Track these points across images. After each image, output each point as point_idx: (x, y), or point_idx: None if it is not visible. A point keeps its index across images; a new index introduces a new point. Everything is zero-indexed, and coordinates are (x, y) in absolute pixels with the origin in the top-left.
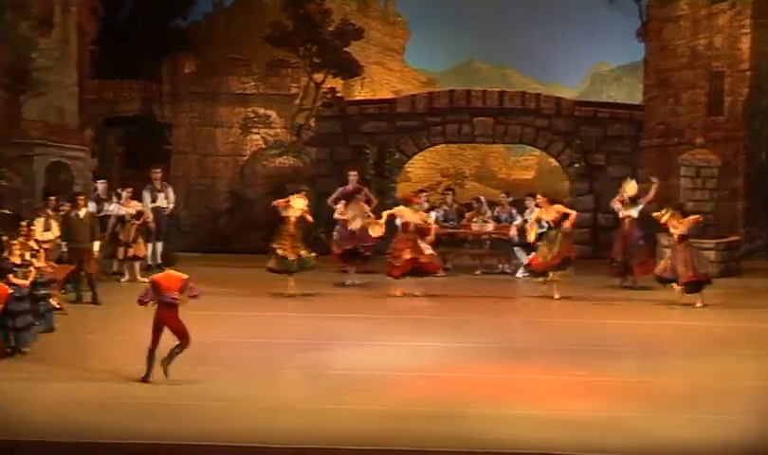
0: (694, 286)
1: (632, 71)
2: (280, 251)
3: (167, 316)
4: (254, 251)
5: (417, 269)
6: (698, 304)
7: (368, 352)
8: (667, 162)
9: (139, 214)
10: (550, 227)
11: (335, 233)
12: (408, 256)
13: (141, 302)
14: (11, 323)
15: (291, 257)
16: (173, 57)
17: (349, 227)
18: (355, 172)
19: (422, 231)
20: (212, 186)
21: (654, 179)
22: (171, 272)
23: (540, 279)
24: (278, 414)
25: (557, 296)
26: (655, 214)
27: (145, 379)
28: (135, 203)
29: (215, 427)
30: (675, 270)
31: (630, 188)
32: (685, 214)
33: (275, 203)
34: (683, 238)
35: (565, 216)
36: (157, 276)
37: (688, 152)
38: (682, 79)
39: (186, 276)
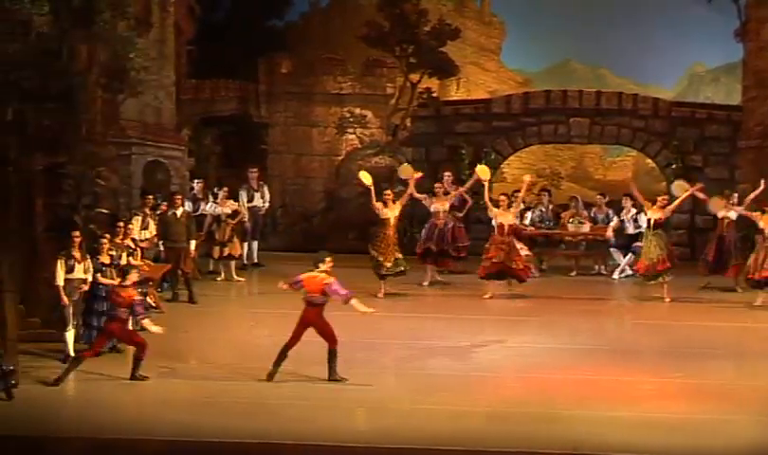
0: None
1: (730, 72)
2: (380, 257)
3: (310, 315)
4: (348, 251)
5: (505, 272)
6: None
7: (462, 352)
8: (766, 163)
9: (235, 214)
10: (650, 228)
11: (422, 232)
12: (495, 259)
13: (288, 286)
14: (97, 322)
15: (389, 262)
16: (270, 57)
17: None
18: (449, 173)
19: (517, 232)
20: (307, 185)
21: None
22: (317, 274)
23: (652, 282)
24: (373, 414)
25: (667, 299)
26: (752, 214)
27: (270, 377)
28: (231, 202)
29: (309, 427)
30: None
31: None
32: None
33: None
34: None
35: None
36: (304, 275)
37: None
38: None
39: (331, 279)
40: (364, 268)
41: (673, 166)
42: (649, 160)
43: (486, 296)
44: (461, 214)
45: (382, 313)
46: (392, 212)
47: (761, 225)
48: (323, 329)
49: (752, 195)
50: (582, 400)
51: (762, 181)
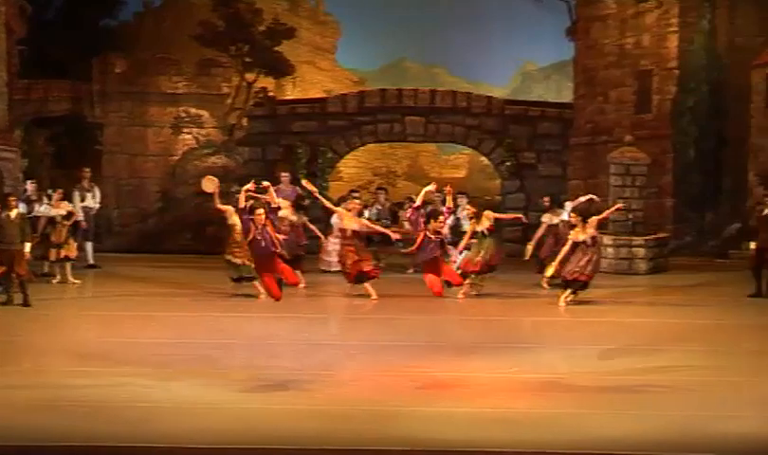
0: (583, 285)
1: (561, 70)
2: (237, 260)
3: None
4: (184, 251)
5: (362, 275)
6: (561, 304)
7: (301, 351)
8: (596, 160)
9: (69, 215)
10: (483, 234)
11: None
12: (350, 261)
13: None
14: None
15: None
16: (103, 57)
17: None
18: (287, 174)
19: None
20: (142, 186)
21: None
22: None
23: (466, 280)
24: (211, 414)
25: (464, 295)
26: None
27: None
28: (65, 204)
29: (149, 428)
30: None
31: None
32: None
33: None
34: (593, 240)
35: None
36: None
37: (617, 150)
38: (610, 77)
39: None
40: (200, 269)
41: (507, 163)
42: (484, 158)
43: (372, 296)
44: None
45: (223, 313)
46: (238, 218)
47: (580, 237)
48: None
49: (575, 202)
50: (420, 397)
51: (592, 196)
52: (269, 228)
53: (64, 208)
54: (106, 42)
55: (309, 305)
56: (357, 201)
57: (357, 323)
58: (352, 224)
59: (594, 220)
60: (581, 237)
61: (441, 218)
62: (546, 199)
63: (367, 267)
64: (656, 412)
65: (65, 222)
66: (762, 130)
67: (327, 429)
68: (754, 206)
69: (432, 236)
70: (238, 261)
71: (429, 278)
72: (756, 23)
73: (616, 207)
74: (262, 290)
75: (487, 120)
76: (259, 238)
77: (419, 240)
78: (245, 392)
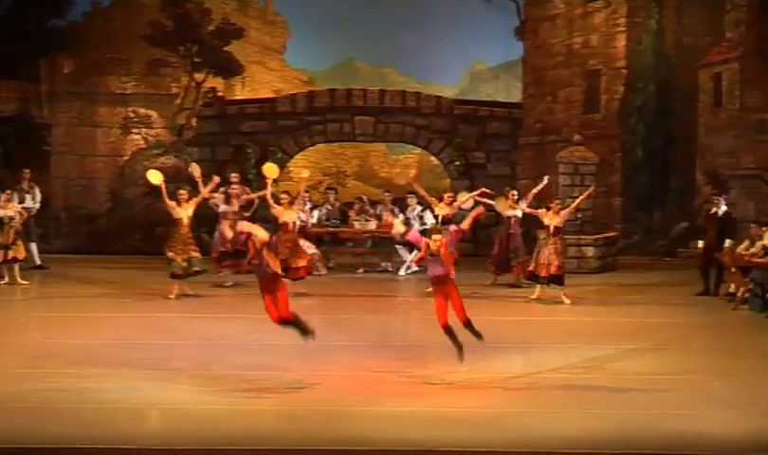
0: (560, 280)
1: (509, 69)
2: (170, 254)
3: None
4: (133, 252)
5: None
6: (566, 302)
7: (252, 351)
8: (545, 160)
9: (19, 216)
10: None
11: (215, 235)
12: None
13: None
14: None
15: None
16: (52, 57)
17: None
18: (236, 174)
19: (304, 231)
20: (91, 186)
21: (546, 178)
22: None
23: None
24: (162, 415)
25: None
26: (538, 211)
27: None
28: (13, 205)
29: (102, 429)
30: (541, 261)
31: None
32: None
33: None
34: (558, 230)
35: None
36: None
37: (566, 149)
38: (558, 77)
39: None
40: (150, 269)
41: (456, 163)
42: (433, 158)
43: None
44: (248, 214)
45: (173, 314)
46: (184, 212)
47: (546, 221)
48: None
49: (534, 190)
50: (371, 397)
51: (546, 177)
52: (265, 253)
53: (11, 209)
54: (55, 42)
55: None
56: (285, 195)
57: (308, 323)
58: (291, 217)
59: (569, 208)
60: (555, 221)
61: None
62: (513, 192)
63: (295, 265)
64: (607, 411)
65: (13, 223)
66: (710, 129)
67: (277, 429)
68: (701, 205)
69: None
70: (170, 254)
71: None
72: (703, 22)
73: (588, 192)
74: (175, 292)
75: (437, 120)
76: (256, 261)
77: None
78: (195, 394)
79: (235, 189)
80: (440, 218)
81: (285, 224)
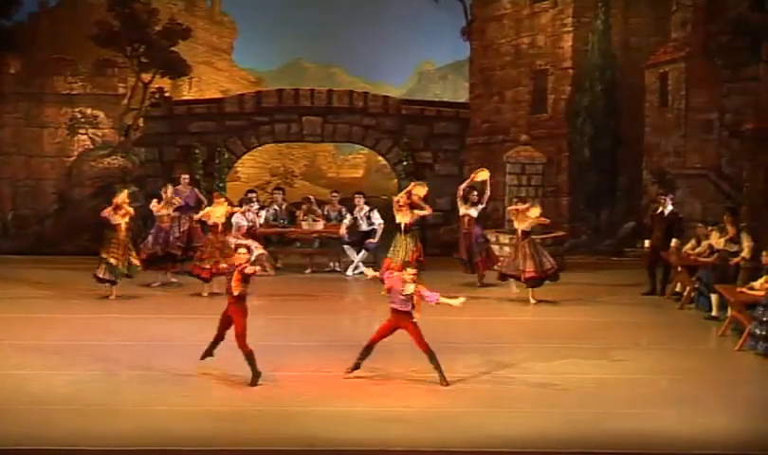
0: (536, 282)
1: (457, 70)
2: (112, 260)
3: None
4: (81, 253)
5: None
6: (531, 300)
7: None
8: (493, 160)
9: None
10: (399, 231)
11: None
12: (206, 256)
13: None
14: None
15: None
16: None
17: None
18: (186, 176)
19: (251, 231)
20: (39, 187)
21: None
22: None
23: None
24: (109, 416)
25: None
26: (509, 208)
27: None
28: None
29: (47, 431)
30: (517, 266)
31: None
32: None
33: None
34: (525, 234)
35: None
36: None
37: (513, 149)
38: (506, 77)
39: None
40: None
41: (404, 163)
42: (381, 158)
43: (204, 294)
44: (197, 216)
45: (121, 315)
46: (122, 219)
47: (516, 225)
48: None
49: (463, 185)
50: (318, 397)
51: (485, 171)
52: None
53: None
54: (1, 42)
55: (209, 306)
56: (222, 198)
57: (256, 324)
58: (222, 218)
59: (533, 220)
60: (523, 226)
61: None
62: (476, 194)
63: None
64: (554, 410)
65: None
66: (656, 129)
67: (224, 430)
68: (648, 204)
69: None
70: (113, 261)
71: None
72: (650, 23)
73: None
74: (113, 294)
75: (385, 120)
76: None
77: None
78: (143, 394)
79: (184, 189)
80: (402, 226)
81: (215, 226)
